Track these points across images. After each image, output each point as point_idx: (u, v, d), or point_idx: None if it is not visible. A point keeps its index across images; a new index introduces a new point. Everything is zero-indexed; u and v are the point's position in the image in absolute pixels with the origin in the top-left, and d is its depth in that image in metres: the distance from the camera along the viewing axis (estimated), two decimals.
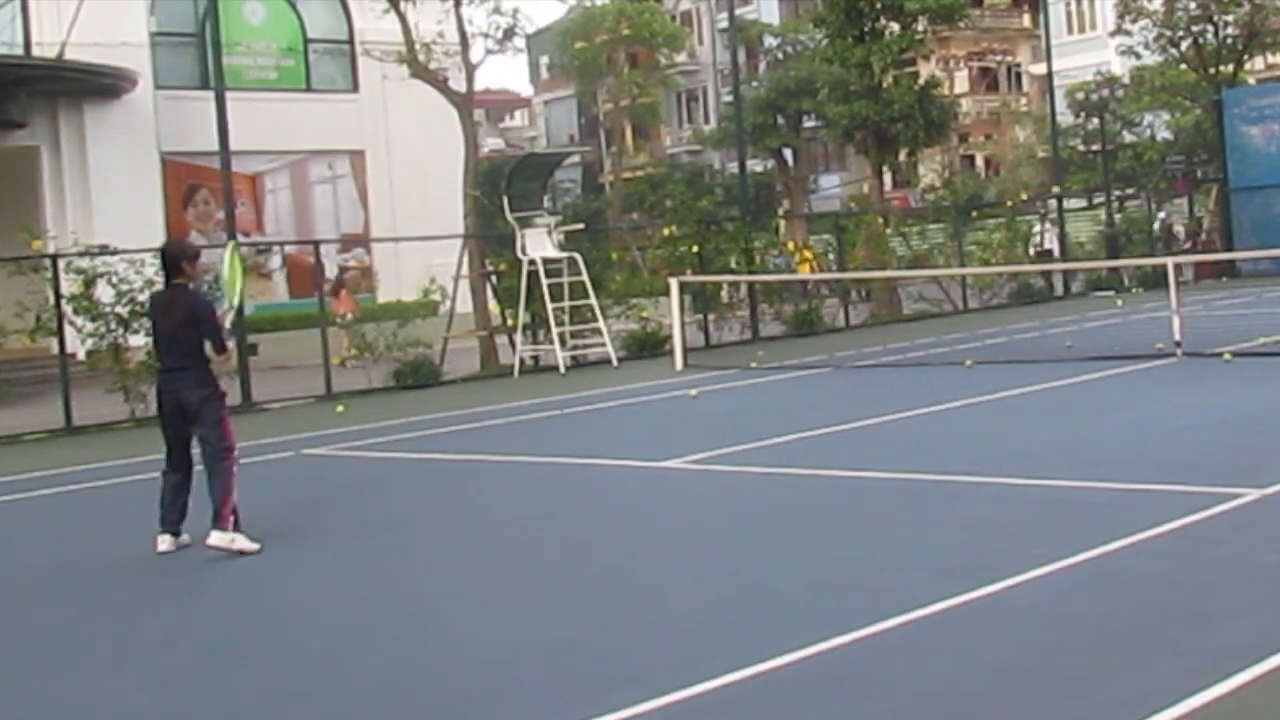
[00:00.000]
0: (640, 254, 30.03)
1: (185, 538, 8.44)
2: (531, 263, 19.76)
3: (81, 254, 16.97)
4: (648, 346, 21.63)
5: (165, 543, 8.42)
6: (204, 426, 8.33)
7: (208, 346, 8.35)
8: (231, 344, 8.80)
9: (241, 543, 8.10)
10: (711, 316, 22.72)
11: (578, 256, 20.12)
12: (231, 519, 8.11)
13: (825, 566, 6.93)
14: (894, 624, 5.68)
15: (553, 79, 67.04)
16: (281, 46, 32.11)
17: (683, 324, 19.60)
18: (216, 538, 8.07)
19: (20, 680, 6.13)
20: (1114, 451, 9.64)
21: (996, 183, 47.34)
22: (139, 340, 17.04)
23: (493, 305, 21.68)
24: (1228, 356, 14.37)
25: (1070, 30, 53.34)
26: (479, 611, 6.63)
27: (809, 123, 50.67)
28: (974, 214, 31.33)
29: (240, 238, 20.19)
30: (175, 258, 8.67)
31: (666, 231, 24.29)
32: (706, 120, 61.03)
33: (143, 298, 16.87)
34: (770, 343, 22.41)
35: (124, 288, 16.73)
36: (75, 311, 16.65)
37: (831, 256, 26.31)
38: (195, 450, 8.50)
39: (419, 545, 8.27)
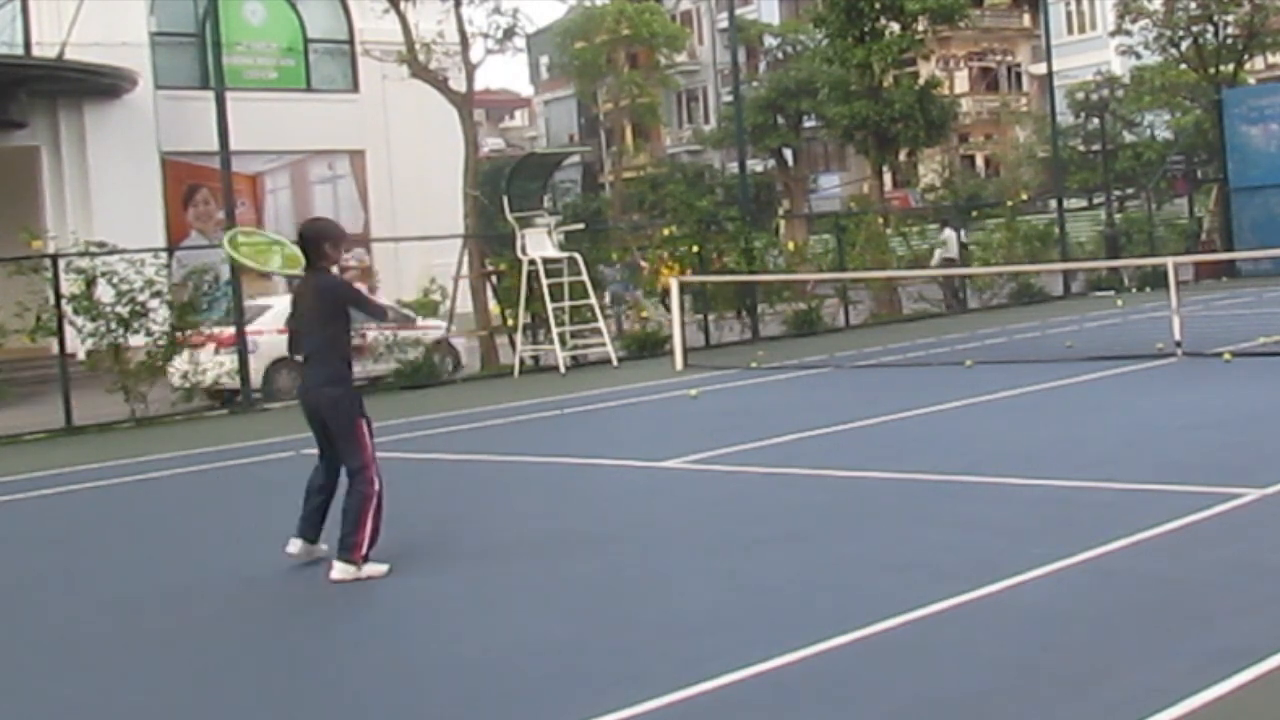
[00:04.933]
0: (640, 254, 30.03)
1: (323, 548, 7.69)
2: (531, 263, 19.76)
3: (81, 254, 16.97)
4: (648, 346, 21.64)
5: (294, 546, 7.72)
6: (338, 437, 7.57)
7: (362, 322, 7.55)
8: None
9: (370, 569, 7.31)
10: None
11: (578, 256, 20.13)
12: (364, 549, 7.31)
13: (825, 566, 6.93)
14: (894, 624, 5.68)
15: (553, 79, 67.06)
16: (281, 46, 32.11)
17: (683, 324, 19.61)
18: (339, 570, 7.29)
19: (20, 679, 6.14)
20: (1114, 451, 9.64)
21: (996, 183, 47.34)
22: (139, 340, 17.05)
23: (493, 305, 21.68)
24: (1228, 356, 14.37)
25: (1070, 30, 53.35)
26: (478, 611, 6.63)
27: (809, 123, 50.69)
28: (974, 214, 31.29)
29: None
30: (314, 238, 7.61)
31: (666, 231, 24.29)
32: (706, 120, 61.03)
33: (143, 298, 16.91)
34: (770, 343, 22.41)
35: (124, 288, 16.74)
36: (75, 311, 16.65)
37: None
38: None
39: (418, 545, 8.25)
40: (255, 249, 8.23)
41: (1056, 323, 21.44)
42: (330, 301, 7.47)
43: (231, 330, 18.05)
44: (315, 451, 7.79)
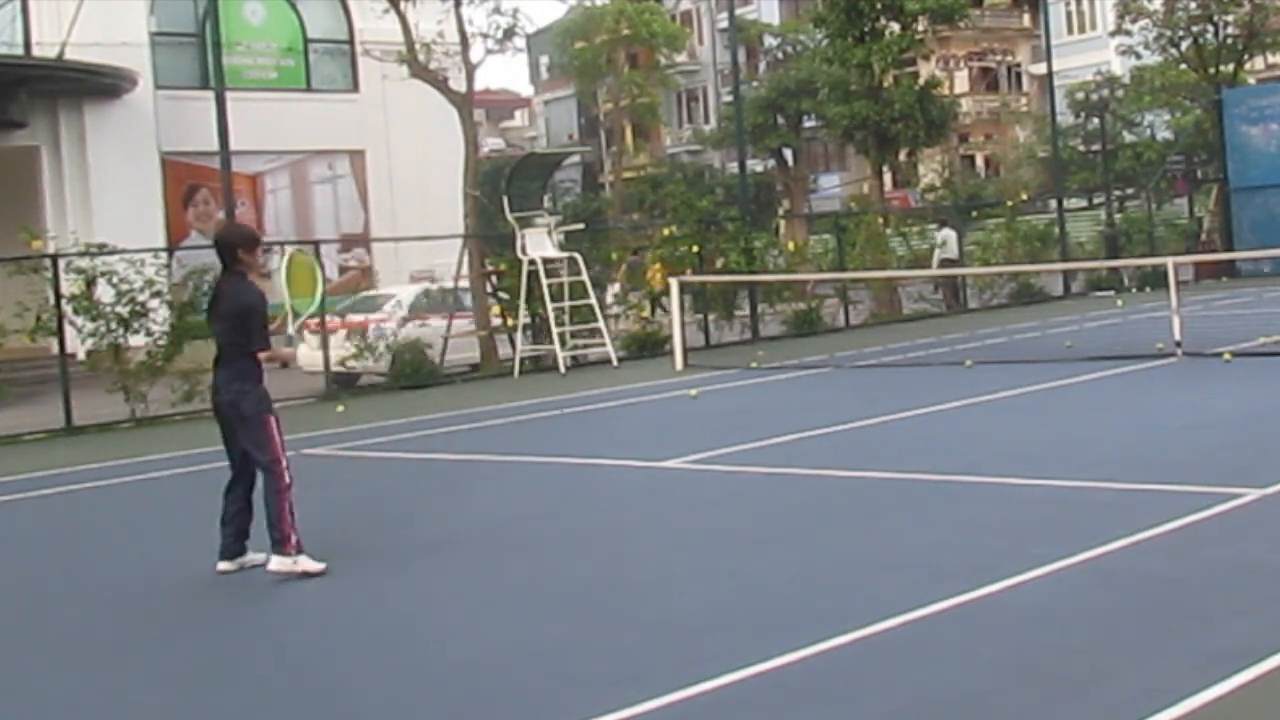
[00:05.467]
0: (636, 256, 30.03)
1: (260, 556, 7.70)
2: (531, 263, 19.76)
3: (81, 254, 16.96)
4: (648, 346, 21.64)
5: (224, 565, 7.79)
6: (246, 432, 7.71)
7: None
8: (285, 349, 8.06)
9: (305, 564, 7.47)
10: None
11: (578, 256, 20.13)
12: (294, 539, 7.47)
13: (825, 566, 6.93)
14: (894, 624, 5.68)
15: (553, 79, 67.02)
16: (281, 46, 32.07)
17: (683, 324, 19.61)
18: (275, 563, 7.46)
19: (20, 679, 6.13)
20: (1114, 451, 9.64)
21: (996, 183, 47.33)
22: (139, 340, 17.04)
23: (492, 305, 21.67)
24: (1228, 356, 14.37)
25: (1070, 30, 53.34)
26: (478, 611, 6.63)
27: (809, 123, 50.68)
28: (974, 214, 31.26)
29: None
30: (227, 243, 7.82)
31: (666, 231, 24.28)
32: (706, 120, 61.02)
33: (143, 298, 16.91)
34: (770, 343, 22.41)
35: (124, 288, 16.73)
36: (75, 311, 16.64)
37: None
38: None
39: (418, 545, 8.26)
40: (304, 274, 8.40)
41: (1056, 323, 21.44)
42: (235, 307, 7.64)
43: (360, 316, 19.60)
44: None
